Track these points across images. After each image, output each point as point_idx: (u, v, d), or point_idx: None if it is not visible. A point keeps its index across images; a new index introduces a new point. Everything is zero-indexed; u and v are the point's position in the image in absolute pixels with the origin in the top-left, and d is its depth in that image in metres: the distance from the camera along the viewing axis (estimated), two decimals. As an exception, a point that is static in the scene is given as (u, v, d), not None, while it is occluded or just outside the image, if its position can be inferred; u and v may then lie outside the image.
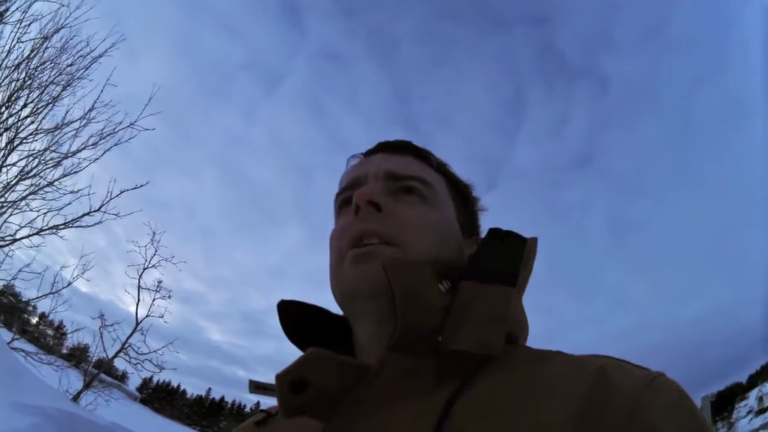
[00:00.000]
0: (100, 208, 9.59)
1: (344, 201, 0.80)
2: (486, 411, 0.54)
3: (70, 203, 9.43)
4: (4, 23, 9.90)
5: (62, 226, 9.48)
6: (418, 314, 0.61)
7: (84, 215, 9.56)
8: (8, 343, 9.33)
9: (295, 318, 0.78)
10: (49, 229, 9.36)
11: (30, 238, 9.34)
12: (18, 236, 9.28)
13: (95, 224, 9.71)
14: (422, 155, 0.82)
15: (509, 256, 0.69)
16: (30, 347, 10.58)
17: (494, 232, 0.74)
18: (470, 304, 0.63)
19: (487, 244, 0.73)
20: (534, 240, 0.72)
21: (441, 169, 0.83)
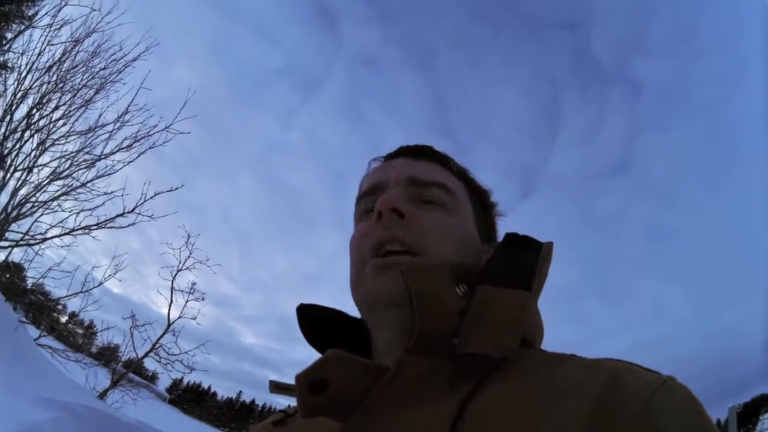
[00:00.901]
0: (133, 209, 9.70)
1: (366, 207, 0.82)
2: (499, 412, 0.55)
3: (102, 204, 9.60)
4: (33, 27, 10.12)
5: (95, 227, 9.63)
6: (434, 317, 0.63)
7: (117, 216, 9.70)
8: (35, 340, 9.35)
9: (314, 321, 0.80)
10: (81, 229, 9.51)
11: (61, 237, 9.51)
12: (49, 235, 9.43)
13: (128, 225, 9.87)
14: (443, 161, 0.84)
15: (525, 261, 0.70)
16: (58, 345, 10.59)
17: (511, 237, 0.74)
18: (486, 308, 0.64)
19: (504, 248, 0.73)
20: (550, 245, 0.73)
21: (461, 175, 0.85)
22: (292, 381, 0.63)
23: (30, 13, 11.25)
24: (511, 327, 0.61)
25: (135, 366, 12.03)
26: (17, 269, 11.56)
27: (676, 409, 0.51)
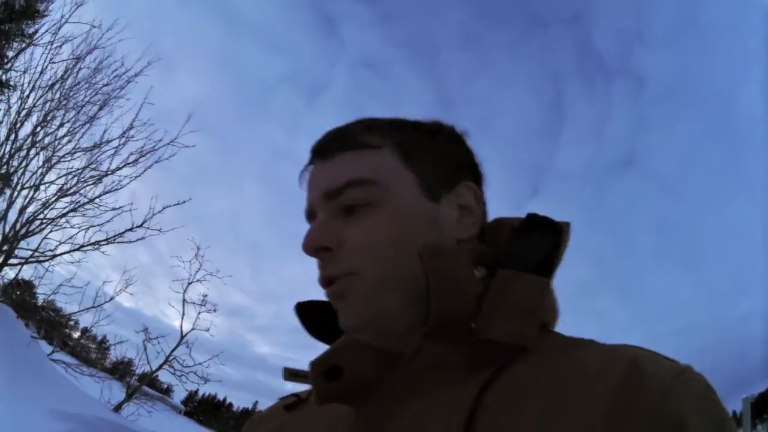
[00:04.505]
0: (142, 224, 9.95)
1: None
2: (519, 400, 0.55)
3: (110, 220, 9.81)
4: (35, 45, 10.34)
5: (104, 242, 9.84)
6: (452, 300, 0.62)
7: (126, 231, 9.91)
8: (48, 355, 9.58)
9: (317, 316, 0.78)
10: (90, 244, 9.72)
11: (71, 253, 9.71)
12: (58, 252, 9.64)
13: (137, 240, 10.08)
14: (351, 143, 0.73)
15: (546, 245, 0.67)
16: (71, 360, 10.83)
17: (531, 219, 0.70)
18: (505, 293, 0.63)
19: (524, 230, 0.70)
20: (568, 226, 0.70)
21: (383, 136, 0.74)
22: (306, 368, 0.66)
23: (30, 31, 11.41)
24: (529, 314, 0.62)
25: (149, 379, 12.22)
26: (27, 286, 11.77)
27: (694, 400, 0.52)
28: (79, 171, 9.83)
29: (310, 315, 0.78)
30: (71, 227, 9.74)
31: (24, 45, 10.78)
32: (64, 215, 9.63)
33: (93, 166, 9.95)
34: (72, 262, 9.82)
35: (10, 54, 11.17)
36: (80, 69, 10.18)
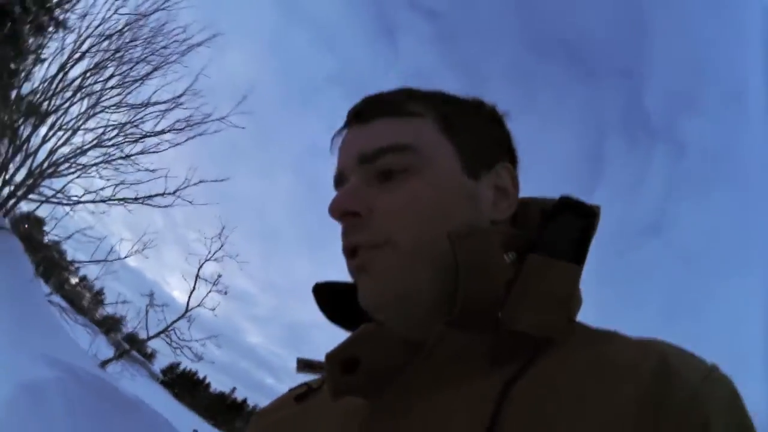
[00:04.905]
0: (175, 191, 9.93)
1: None
2: (547, 394, 0.53)
3: (143, 182, 9.83)
4: None
5: (132, 200, 9.84)
6: (481, 285, 0.59)
7: (157, 195, 9.92)
8: (47, 296, 9.58)
9: (335, 298, 0.74)
10: (118, 200, 9.74)
11: (96, 203, 9.75)
12: (84, 199, 9.65)
13: (166, 206, 10.11)
14: (393, 108, 0.70)
15: (579, 230, 0.64)
16: (66, 305, 10.84)
17: (565, 202, 0.67)
18: (536, 281, 0.60)
19: (558, 214, 0.66)
20: (598, 209, 0.66)
21: (428, 106, 0.71)
22: (317, 358, 0.65)
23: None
24: (560, 305, 0.60)
25: (141, 343, 12.20)
26: (37, 222, 11.82)
27: (721, 404, 0.51)
28: (121, 125, 9.83)
29: (330, 298, 0.74)
30: (100, 178, 9.75)
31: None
32: (96, 165, 9.63)
33: (136, 123, 9.96)
34: (93, 212, 9.85)
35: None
36: (141, 26, 10.15)
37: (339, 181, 0.71)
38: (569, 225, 0.65)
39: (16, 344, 5.40)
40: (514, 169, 0.72)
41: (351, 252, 0.65)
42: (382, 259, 0.63)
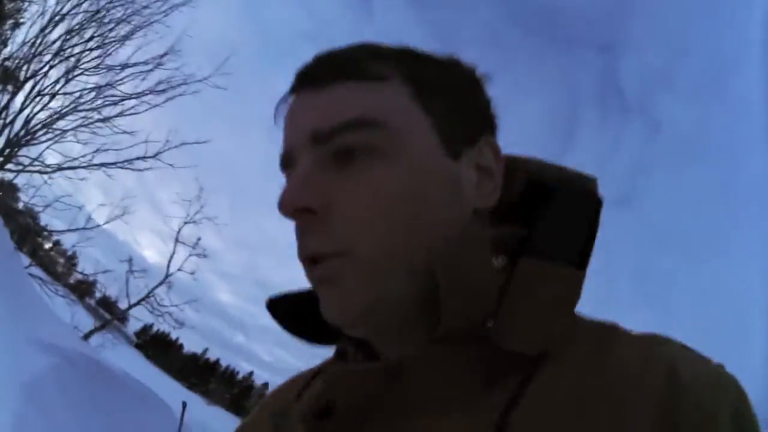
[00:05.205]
0: (155, 155, 9.76)
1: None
2: (548, 417, 0.48)
3: (122, 147, 9.59)
4: None
5: (112, 165, 9.64)
6: (467, 299, 0.51)
7: (137, 159, 9.73)
8: (26, 268, 9.37)
9: (293, 310, 0.65)
10: (97, 165, 9.53)
11: (75, 170, 9.55)
12: (64, 166, 9.39)
13: (146, 170, 9.94)
14: (353, 70, 0.57)
15: (579, 220, 0.56)
16: (40, 273, 10.64)
17: (558, 175, 0.59)
18: (531, 290, 0.52)
19: (550, 205, 0.57)
20: (597, 186, 0.59)
21: (394, 66, 0.58)
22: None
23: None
24: (559, 316, 0.53)
25: (124, 313, 12.11)
26: (11, 189, 11.56)
27: (729, 410, 0.48)
28: (99, 87, 9.54)
29: (288, 309, 0.66)
30: (77, 142, 9.51)
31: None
32: (73, 129, 9.37)
33: (114, 85, 9.66)
34: (71, 178, 9.62)
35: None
36: None
37: (286, 163, 0.59)
38: (569, 215, 0.57)
39: (6, 330, 5.25)
40: (496, 142, 0.61)
41: (311, 260, 0.55)
42: (346, 269, 0.53)
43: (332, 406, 0.53)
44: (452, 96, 0.59)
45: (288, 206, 0.53)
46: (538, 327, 0.52)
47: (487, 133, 0.61)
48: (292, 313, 0.66)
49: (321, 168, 0.54)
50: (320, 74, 0.57)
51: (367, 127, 0.53)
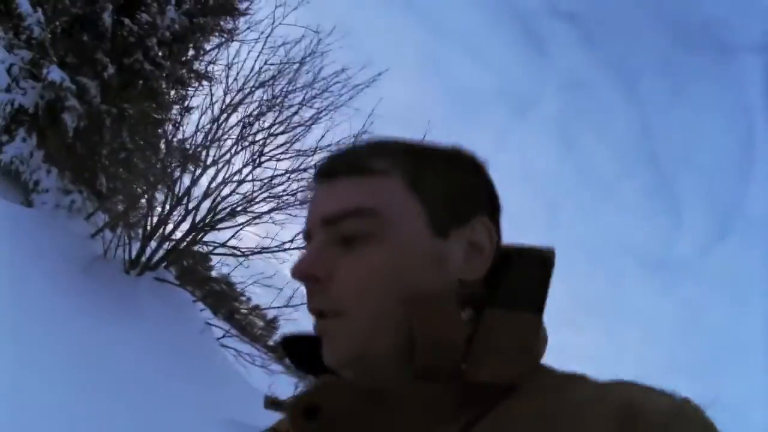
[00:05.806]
0: None
1: None
2: None
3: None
4: (238, 41, 10.70)
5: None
6: (439, 352, 0.60)
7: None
8: (219, 339, 9.75)
9: (302, 348, 0.73)
10: (297, 248, 9.54)
11: (274, 254, 9.73)
12: (259, 249, 9.68)
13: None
14: (357, 167, 0.67)
15: (534, 278, 0.66)
16: (240, 345, 10.89)
17: (515, 251, 0.68)
18: (496, 335, 0.61)
19: (509, 264, 0.67)
20: (553, 253, 0.68)
21: (393, 161, 0.68)
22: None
23: (229, 27, 11.78)
24: (521, 355, 0.61)
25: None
26: (202, 258, 12.16)
27: None
28: (292, 171, 9.72)
29: (298, 348, 0.74)
30: (274, 224, 9.67)
31: (223, 40, 11.13)
32: (269, 212, 9.61)
33: (308, 168, 9.72)
34: (270, 258, 9.84)
35: (208, 47, 11.63)
36: (296, 72, 10.01)
37: (306, 238, 0.71)
38: (519, 273, 0.66)
39: (197, 409, 5.33)
40: (493, 222, 0.69)
41: (318, 313, 0.66)
42: (340, 328, 0.63)
43: (317, 410, 0.58)
44: (445, 183, 0.68)
45: (298, 273, 0.65)
46: (504, 362, 0.59)
47: (481, 213, 0.68)
48: (302, 349, 0.72)
49: (330, 245, 0.65)
50: (331, 170, 0.69)
51: (364, 215, 0.64)
